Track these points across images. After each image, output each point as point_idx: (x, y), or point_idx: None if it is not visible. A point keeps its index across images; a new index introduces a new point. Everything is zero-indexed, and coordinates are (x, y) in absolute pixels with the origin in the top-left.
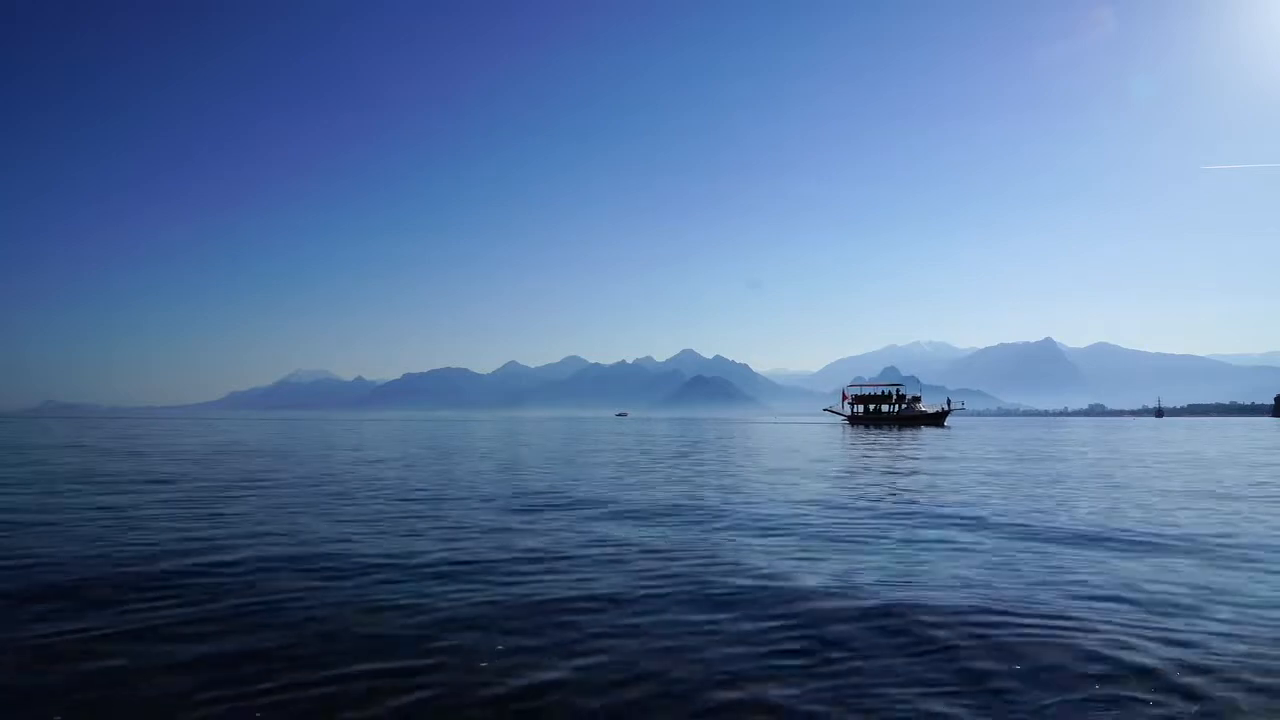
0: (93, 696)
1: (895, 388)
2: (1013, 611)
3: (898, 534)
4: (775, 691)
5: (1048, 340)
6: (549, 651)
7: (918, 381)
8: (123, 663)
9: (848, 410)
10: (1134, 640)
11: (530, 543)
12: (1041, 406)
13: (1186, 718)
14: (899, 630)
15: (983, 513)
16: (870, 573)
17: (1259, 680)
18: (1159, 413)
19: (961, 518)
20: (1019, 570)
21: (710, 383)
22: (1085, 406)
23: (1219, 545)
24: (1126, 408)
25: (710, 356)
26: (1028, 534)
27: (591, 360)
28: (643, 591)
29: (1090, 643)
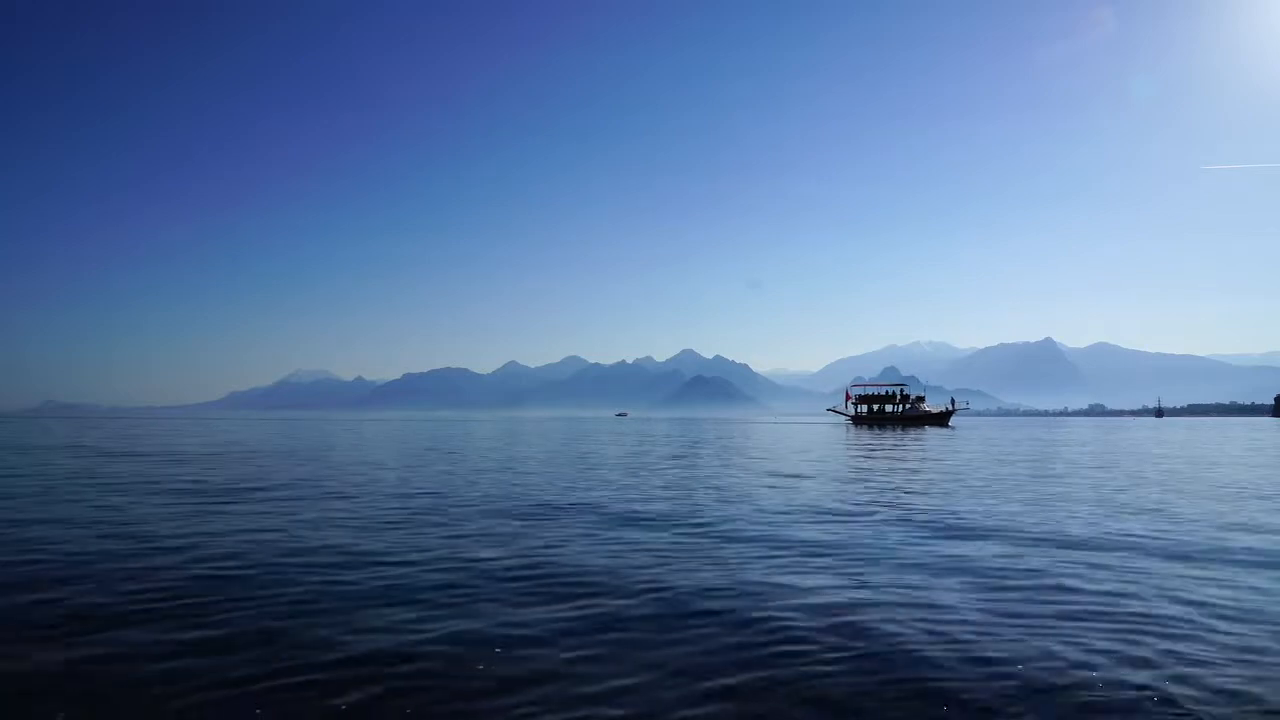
0: (97, 692)
1: (899, 388)
2: None
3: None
4: None
5: (1048, 340)
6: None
7: (918, 381)
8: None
9: (851, 410)
10: None
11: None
12: (1041, 406)
13: None
14: None
15: (1016, 530)
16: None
17: None
18: (1159, 413)
19: (983, 530)
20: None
21: (710, 383)
22: (1085, 406)
23: None
24: (1126, 408)
25: (710, 356)
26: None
27: (591, 360)
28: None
29: None
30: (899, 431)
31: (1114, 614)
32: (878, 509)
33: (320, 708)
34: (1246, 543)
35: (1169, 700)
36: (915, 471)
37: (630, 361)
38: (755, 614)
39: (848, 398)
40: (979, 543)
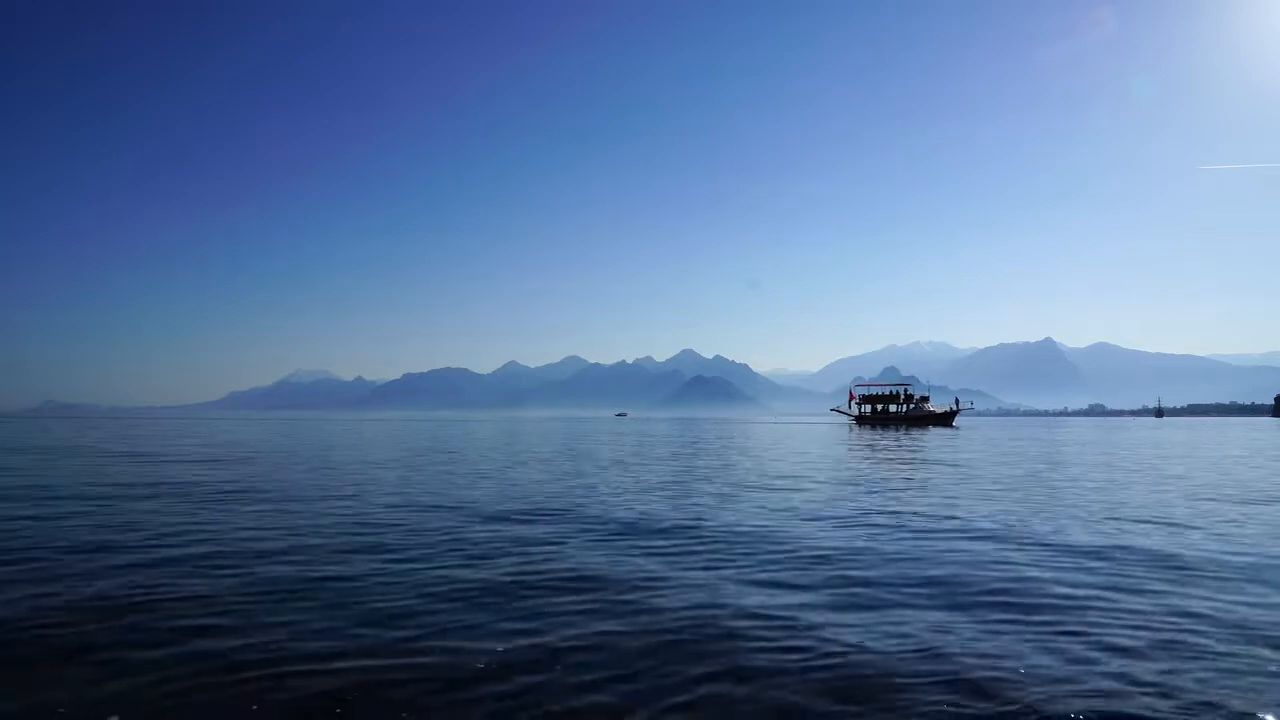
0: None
1: (903, 387)
2: None
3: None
4: None
5: (1048, 340)
6: None
7: (918, 381)
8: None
9: (855, 410)
10: None
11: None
12: (1041, 406)
13: None
14: None
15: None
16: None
17: None
18: (1159, 413)
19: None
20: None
21: (710, 383)
22: (1085, 406)
23: None
24: (1126, 408)
25: (710, 356)
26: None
27: (591, 360)
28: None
29: None
30: (903, 431)
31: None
32: (913, 518)
33: None
34: None
35: None
36: (927, 478)
37: (630, 361)
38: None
39: (851, 397)
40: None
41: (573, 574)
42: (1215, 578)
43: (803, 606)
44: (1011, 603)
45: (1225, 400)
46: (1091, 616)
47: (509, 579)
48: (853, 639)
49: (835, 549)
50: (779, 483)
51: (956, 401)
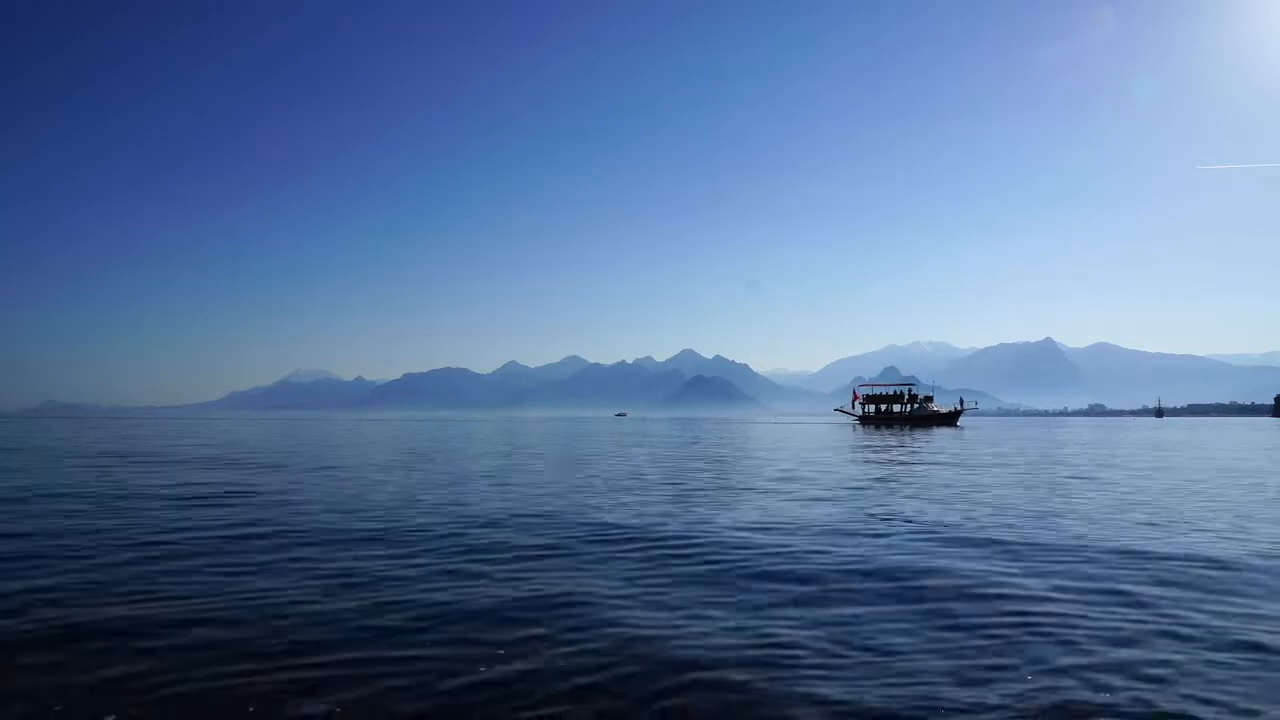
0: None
1: (907, 387)
2: None
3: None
4: None
5: (1048, 340)
6: None
7: (919, 381)
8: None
9: (859, 410)
10: None
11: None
12: (1041, 406)
13: None
14: None
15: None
16: None
17: None
18: (1159, 413)
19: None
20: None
21: (710, 383)
22: (1085, 406)
23: None
24: (1126, 408)
25: (710, 356)
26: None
27: (591, 360)
28: None
29: None
30: (907, 432)
31: None
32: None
33: None
34: None
35: None
36: (947, 483)
37: (630, 361)
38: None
39: (855, 397)
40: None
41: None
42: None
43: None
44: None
45: (1225, 400)
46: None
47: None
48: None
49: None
50: (794, 488)
51: (961, 401)
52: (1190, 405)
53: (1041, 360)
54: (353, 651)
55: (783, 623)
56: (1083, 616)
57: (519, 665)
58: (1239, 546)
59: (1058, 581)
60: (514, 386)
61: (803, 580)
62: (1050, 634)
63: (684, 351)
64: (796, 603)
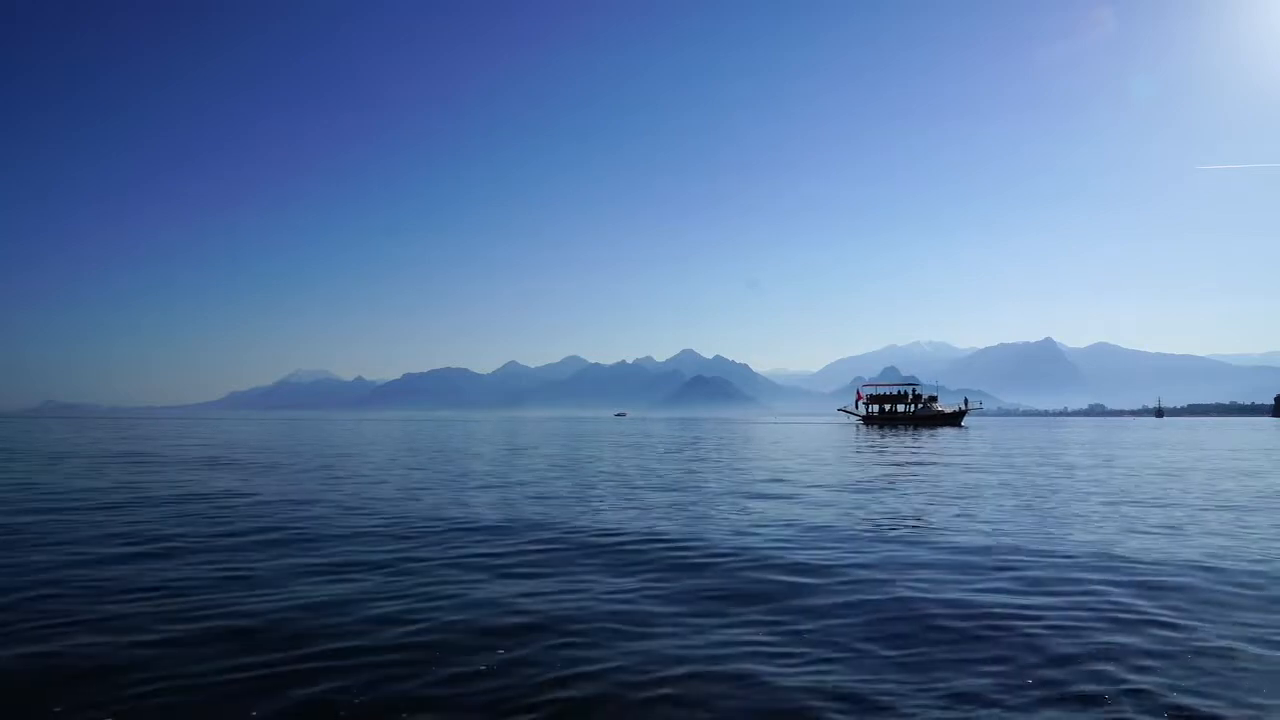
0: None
1: (911, 387)
2: None
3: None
4: None
5: (1048, 340)
6: None
7: (920, 381)
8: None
9: (862, 410)
10: None
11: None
12: (1041, 406)
13: None
14: None
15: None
16: None
17: None
18: (1159, 413)
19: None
20: None
21: (710, 383)
22: (1085, 406)
23: None
24: (1126, 408)
25: (710, 356)
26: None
27: (591, 360)
28: None
29: None
30: (912, 432)
31: None
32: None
33: None
34: None
35: None
36: (970, 486)
37: (630, 361)
38: None
39: (859, 397)
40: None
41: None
42: None
43: None
44: None
45: (1225, 400)
46: None
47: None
48: None
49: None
50: (815, 493)
51: (965, 401)
52: (1190, 405)
53: (1041, 360)
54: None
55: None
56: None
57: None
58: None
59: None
60: (514, 386)
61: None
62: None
63: (684, 351)
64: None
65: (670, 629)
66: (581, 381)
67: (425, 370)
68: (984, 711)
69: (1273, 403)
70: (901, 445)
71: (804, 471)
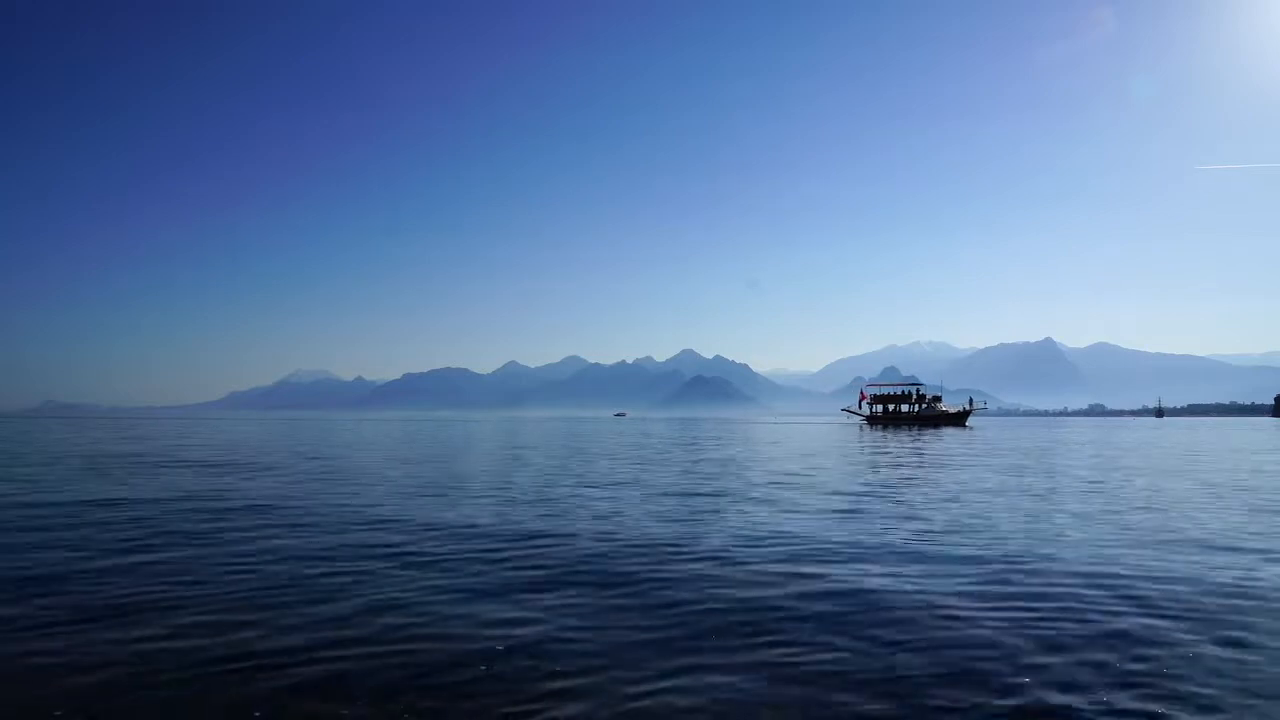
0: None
1: (915, 387)
2: None
3: None
4: None
5: (1048, 340)
6: None
7: (922, 382)
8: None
9: (866, 410)
10: None
11: None
12: (1041, 406)
13: None
14: None
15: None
16: None
17: None
18: (1159, 413)
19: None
20: None
21: (710, 383)
22: (1085, 406)
23: None
24: (1126, 408)
25: (710, 356)
26: None
27: (591, 360)
28: None
29: None
30: (916, 432)
31: None
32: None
33: None
34: None
35: None
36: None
37: (630, 361)
38: None
39: (863, 397)
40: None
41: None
42: None
43: None
44: None
45: (1225, 400)
46: None
47: None
48: None
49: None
50: (840, 500)
51: (970, 401)
52: (1190, 405)
53: (1041, 360)
54: None
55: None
56: None
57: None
58: None
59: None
60: (514, 386)
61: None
62: None
63: (684, 351)
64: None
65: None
66: (581, 381)
67: (425, 370)
68: None
69: (1273, 403)
70: (910, 446)
71: (822, 475)
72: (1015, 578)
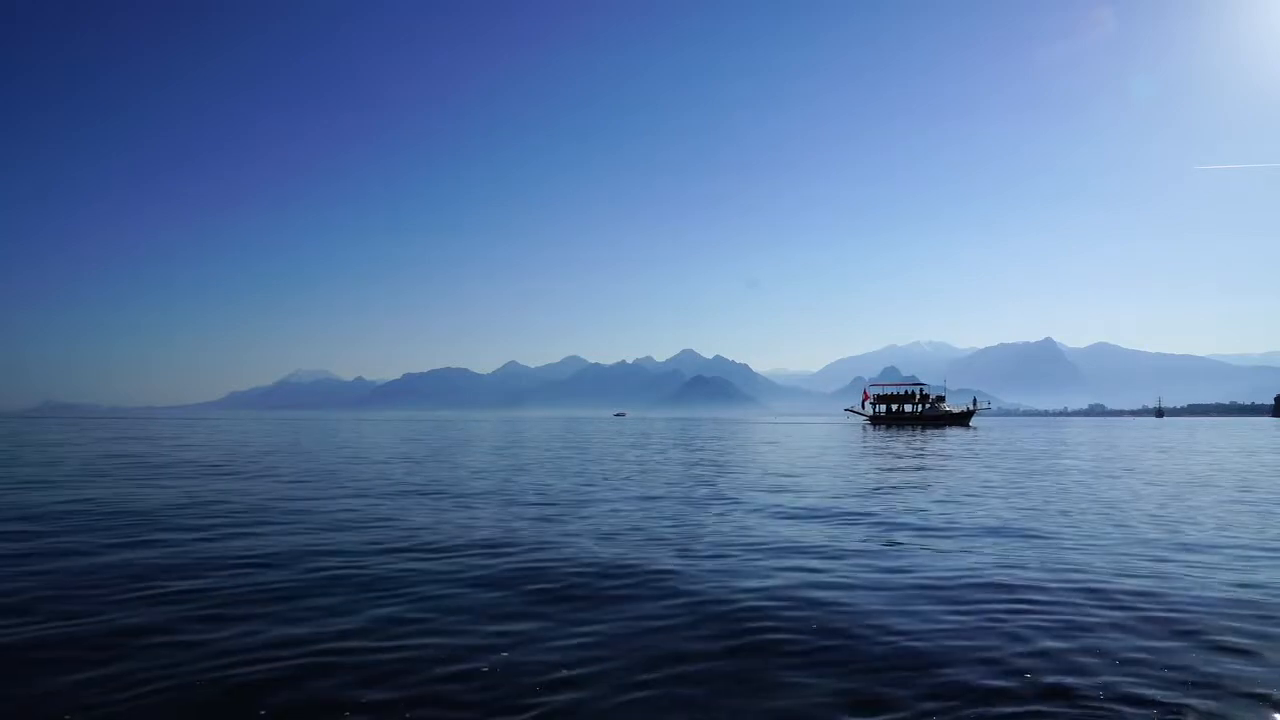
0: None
1: (918, 387)
2: None
3: None
4: None
5: (1048, 340)
6: None
7: (925, 382)
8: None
9: (869, 410)
10: None
11: None
12: (1041, 407)
13: None
14: None
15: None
16: None
17: None
18: (1159, 413)
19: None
20: None
21: (710, 383)
22: (1085, 407)
23: None
24: (1126, 408)
25: (710, 356)
26: None
27: (591, 360)
28: None
29: None
30: (920, 432)
31: None
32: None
33: None
34: None
35: None
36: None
37: (630, 361)
38: None
39: (866, 397)
40: None
41: None
42: None
43: None
44: None
45: (1225, 400)
46: None
47: None
48: None
49: None
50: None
51: (974, 401)
52: (1190, 405)
53: (1041, 360)
54: None
55: None
56: None
57: None
58: None
59: None
60: (514, 386)
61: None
62: None
63: (684, 351)
64: None
65: None
66: (581, 381)
67: (425, 370)
68: None
69: (1273, 403)
70: (920, 448)
71: (845, 480)
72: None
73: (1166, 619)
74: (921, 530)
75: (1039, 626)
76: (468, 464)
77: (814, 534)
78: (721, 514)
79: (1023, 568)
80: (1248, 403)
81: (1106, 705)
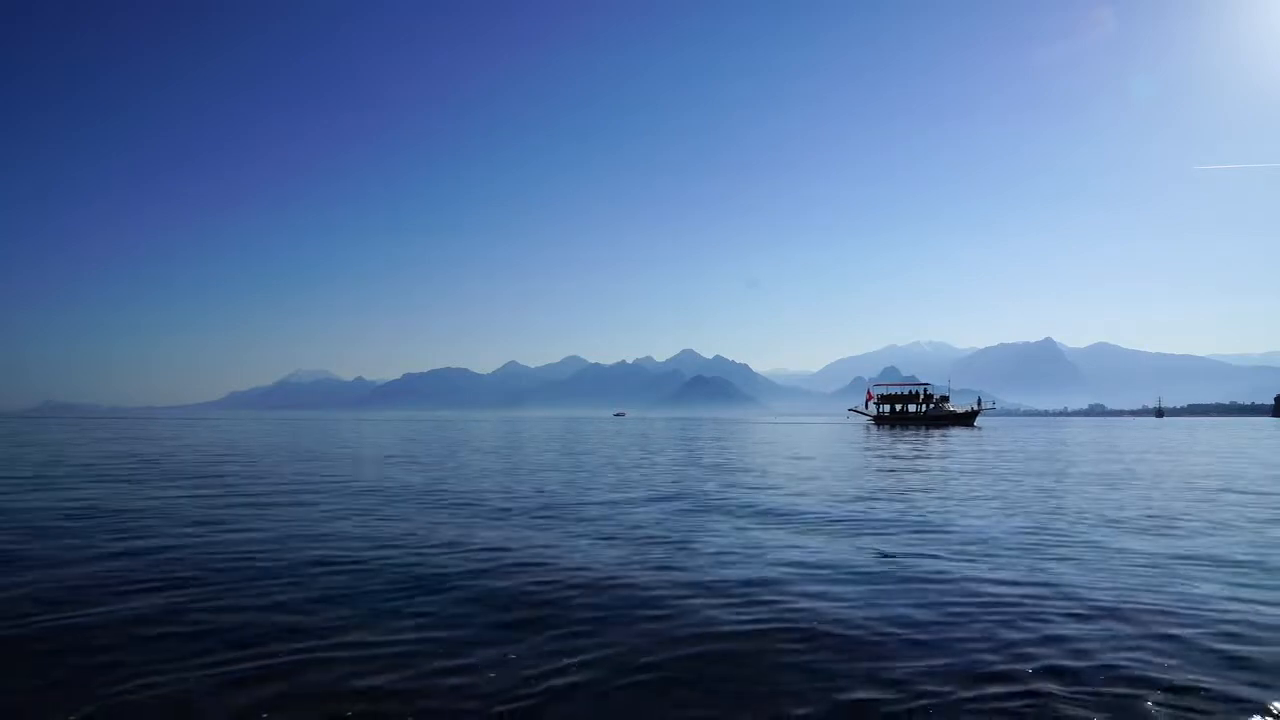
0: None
1: (922, 387)
2: None
3: None
4: None
5: (1048, 340)
6: None
7: (928, 382)
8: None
9: (873, 410)
10: None
11: None
12: (1041, 407)
13: None
14: None
15: None
16: None
17: None
18: (1159, 413)
19: None
20: None
21: (710, 383)
22: (1085, 407)
23: None
24: (1126, 408)
25: (710, 356)
26: None
27: (591, 360)
28: None
29: None
30: (925, 432)
31: None
32: None
33: None
34: None
35: None
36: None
37: (630, 361)
38: None
39: (869, 397)
40: None
41: None
42: None
43: None
44: None
45: (1225, 400)
46: None
47: None
48: None
49: None
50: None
51: (979, 401)
52: (1190, 405)
53: (1041, 360)
54: None
55: None
56: None
57: None
58: None
59: None
60: (514, 386)
61: None
62: None
63: (684, 351)
64: None
65: None
66: (581, 381)
67: (425, 370)
68: None
69: (1273, 403)
70: (930, 448)
71: (865, 485)
72: None
73: (1165, 619)
74: (933, 539)
75: (1039, 633)
76: (469, 464)
77: (817, 543)
78: (721, 517)
79: (1048, 574)
80: (1248, 403)
81: (1099, 704)
